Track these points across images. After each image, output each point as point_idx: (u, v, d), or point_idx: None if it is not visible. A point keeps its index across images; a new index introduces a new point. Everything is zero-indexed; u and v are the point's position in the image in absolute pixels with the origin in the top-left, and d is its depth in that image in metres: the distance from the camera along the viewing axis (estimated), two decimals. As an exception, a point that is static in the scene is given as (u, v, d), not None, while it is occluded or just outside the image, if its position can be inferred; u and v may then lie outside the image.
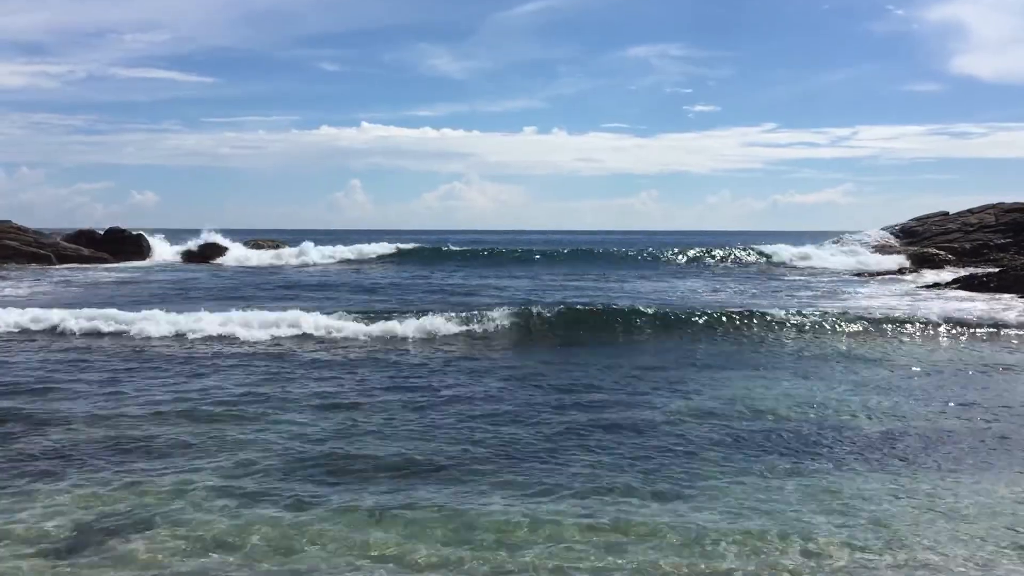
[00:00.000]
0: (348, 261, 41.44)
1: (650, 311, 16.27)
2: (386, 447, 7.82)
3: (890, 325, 15.59)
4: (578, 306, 16.93)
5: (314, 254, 41.83)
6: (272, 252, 43.35)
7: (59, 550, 5.60)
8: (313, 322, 15.37)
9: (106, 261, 40.22)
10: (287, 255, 42.48)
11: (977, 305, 19.54)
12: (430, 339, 14.63)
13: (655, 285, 26.82)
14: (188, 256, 42.04)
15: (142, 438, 8.19)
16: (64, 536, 5.84)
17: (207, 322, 15.26)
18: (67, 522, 6.08)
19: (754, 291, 24.70)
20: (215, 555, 5.51)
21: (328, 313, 16.16)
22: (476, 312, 15.82)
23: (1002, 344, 14.41)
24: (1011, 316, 17.03)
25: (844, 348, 13.82)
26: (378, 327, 15.12)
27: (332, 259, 41.69)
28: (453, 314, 15.73)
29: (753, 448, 7.84)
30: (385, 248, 43.94)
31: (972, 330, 15.58)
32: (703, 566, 5.27)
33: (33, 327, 15.26)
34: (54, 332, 14.87)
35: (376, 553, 5.51)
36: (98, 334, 14.52)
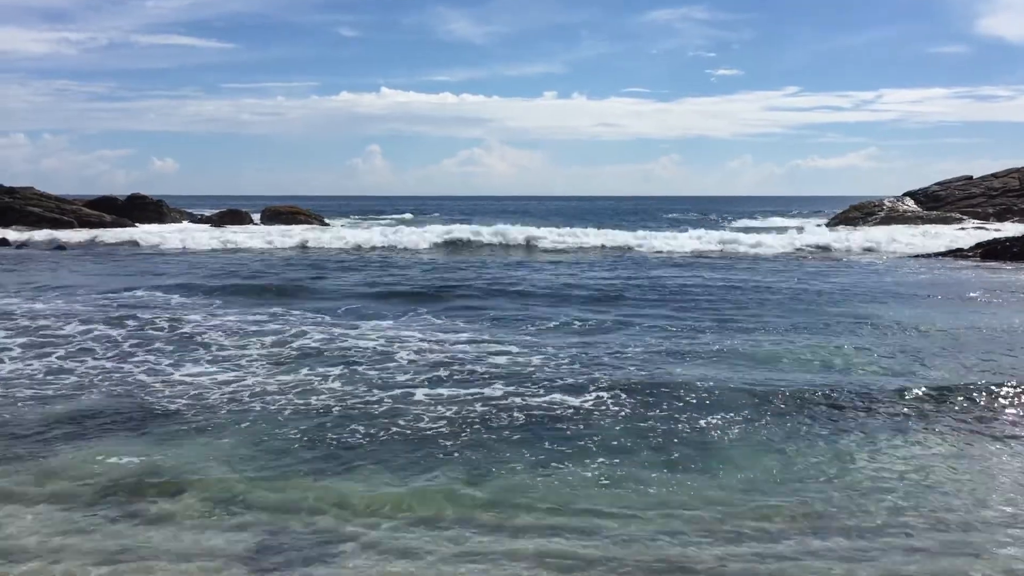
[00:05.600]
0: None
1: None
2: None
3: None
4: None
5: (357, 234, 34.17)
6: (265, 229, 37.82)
7: (85, 505, 5.79)
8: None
9: (127, 227, 40.54)
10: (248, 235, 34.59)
11: None
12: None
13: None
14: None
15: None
16: (92, 496, 6.01)
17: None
18: (95, 482, 6.26)
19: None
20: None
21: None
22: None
23: None
24: None
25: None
26: None
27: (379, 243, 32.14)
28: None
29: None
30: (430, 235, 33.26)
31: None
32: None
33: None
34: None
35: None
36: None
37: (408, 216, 69.07)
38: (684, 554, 5.07)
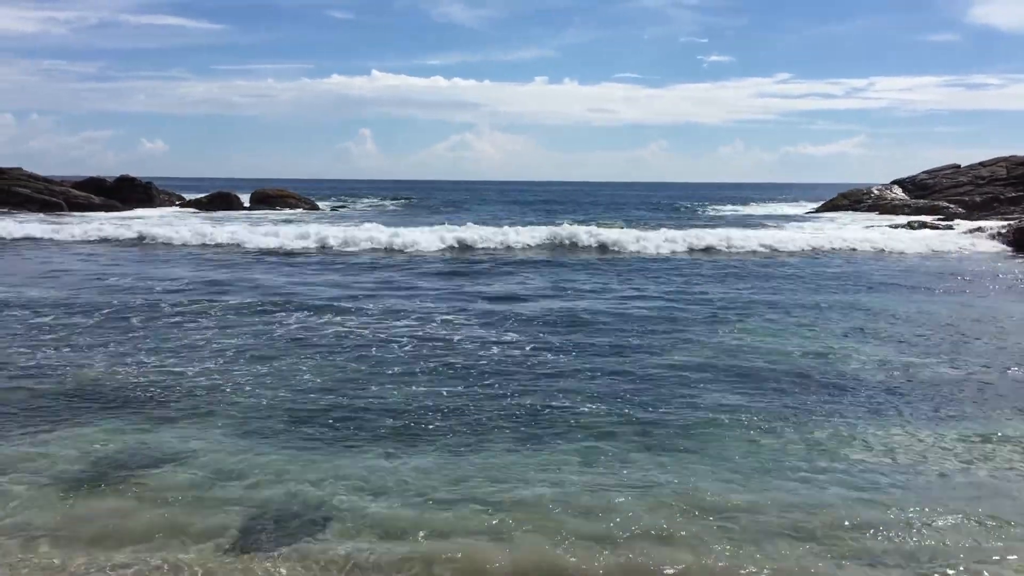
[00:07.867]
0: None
1: None
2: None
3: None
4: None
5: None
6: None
7: (77, 483, 5.83)
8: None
9: (116, 209, 40.26)
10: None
11: None
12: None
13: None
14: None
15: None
16: (81, 470, 6.07)
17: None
18: (85, 457, 6.32)
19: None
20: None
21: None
22: None
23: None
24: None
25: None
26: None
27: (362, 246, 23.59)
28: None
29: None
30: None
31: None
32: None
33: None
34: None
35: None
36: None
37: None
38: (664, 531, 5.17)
